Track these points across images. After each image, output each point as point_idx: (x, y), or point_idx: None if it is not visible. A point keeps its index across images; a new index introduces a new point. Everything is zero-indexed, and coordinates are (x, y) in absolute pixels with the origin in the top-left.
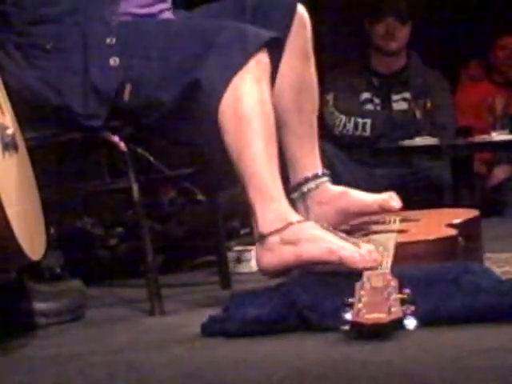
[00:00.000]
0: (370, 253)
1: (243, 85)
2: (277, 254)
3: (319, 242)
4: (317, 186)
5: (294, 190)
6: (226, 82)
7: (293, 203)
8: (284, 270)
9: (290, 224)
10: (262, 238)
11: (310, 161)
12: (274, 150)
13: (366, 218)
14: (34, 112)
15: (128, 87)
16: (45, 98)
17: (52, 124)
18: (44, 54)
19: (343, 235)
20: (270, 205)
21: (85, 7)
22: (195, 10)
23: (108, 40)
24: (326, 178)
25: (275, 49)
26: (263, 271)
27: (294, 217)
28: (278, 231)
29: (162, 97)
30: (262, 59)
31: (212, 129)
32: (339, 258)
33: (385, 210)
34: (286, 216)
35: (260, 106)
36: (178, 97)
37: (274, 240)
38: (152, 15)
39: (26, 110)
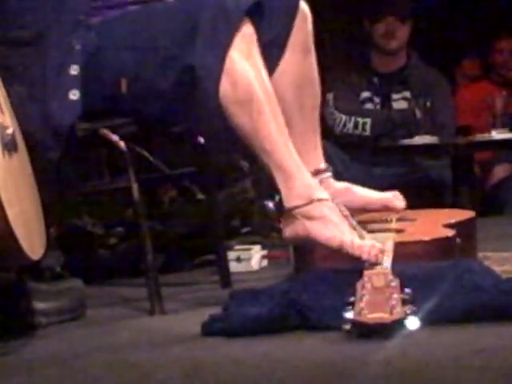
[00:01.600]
0: (373, 246)
1: (235, 65)
2: (293, 225)
3: (328, 225)
4: (320, 182)
5: None
6: (220, 65)
7: None
8: (299, 243)
9: (312, 201)
10: (286, 211)
11: (313, 157)
12: (281, 122)
13: (365, 215)
14: None
15: (124, 81)
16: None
17: None
18: (11, 77)
19: (354, 224)
20: (292, 182)
21: (48, 34)
22: None
23: (72, 69)
24: (329, 174)
25: (258, 14)
26: (284, 240)
27: (318, 193)
28: (298, 207)
29: (159, 85)
30: (246, 31)
31: (214, 113)
32: (339, 244)
33: (389, 208)
34: (310, 192)
35: (256, 81)
36: (175, 83)
37: (294, 213)
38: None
39: None
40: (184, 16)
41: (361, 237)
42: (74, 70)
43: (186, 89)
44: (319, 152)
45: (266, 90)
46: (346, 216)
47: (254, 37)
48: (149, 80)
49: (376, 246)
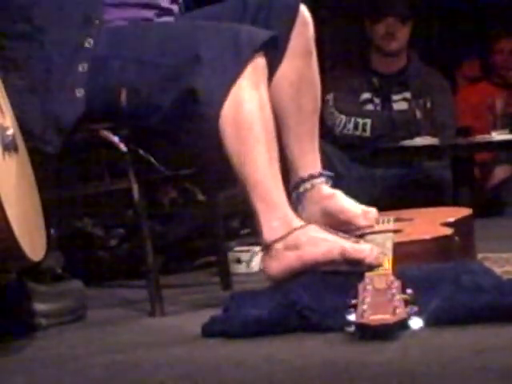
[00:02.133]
0: (371, 250)
1: (242, 92)
2: (281, 260)
3: (320, 242)
4: (312, 187)
5: (293, 190)
6: (225, 92)
7: (292, 203)
8: (290, 275)
9: (293, 230)
10: (267, 246)
11: (308, 161)
12: (275, 155)
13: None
14: None
15: (124, 91)
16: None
17: None
18: (15, 70)
19: (344, 235)
20: (273, 213)
21: (54, 28)
22: (197, 10)
23: (80, 67)
24: (322, 179)
25: (271, 47)
26: (271, 279)
27: (297, 222)
28: (281, 238)
29: (158, 102)
30: (259, 63)
31: (212, 133)
32: (342, 256)
33: (351, 224)
34: (290, 222)
35: (260, 111)
36: (174, 102)
37: (278, 247)
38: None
39: None
40: (193, 38)
41: (356, 243)
42: (83, 67)
43: (184, 108)
44: (316, 157)
45: (266, 122)
46: (331, 231)
47: (265, 70)
48: (148, 94)
49: (375, 248)
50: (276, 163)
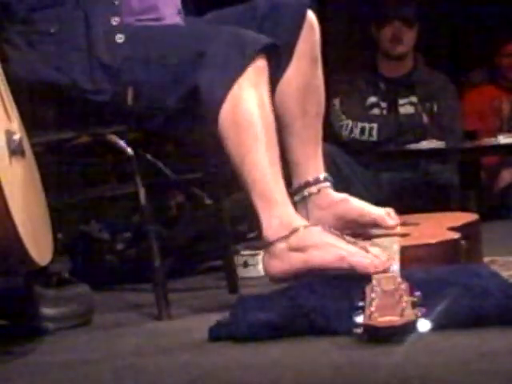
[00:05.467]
0: (378, 257)
1: (241, 91)
2: (285, 261)
3: (328, 248)
4: (318, 191)
5: (296, 194)
6: (226, 90)
7: (295, 206)
8: (292, 277)
9: (296, 230)
10: (269, 245)
11: (312, 165)
12: (276, 154)
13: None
14: (42, 99)
15: (130, 90)
16: (51, 79)
17: (56, 116)
18: (48, 38)
19: (351, 239)
20: (274, 211)
21: None
22: (206, 16)
23: (113, 20)
24: (327, 183)
25: (273, 54)
26: (271, 278)
27: (300, 222)
28: (284, 238)
29: (164, 101)
30: (260, 64)
31: (214, 133)
32: (349, 264)
33: (379, 225)
34: (292, 221)
35: (259, 110)
36: (179, 101)
37: (280, 247)
38: (154, 8)
39: (33, 99)
40: (199, 40)
41: (363, 248)
42: (115, 21)
43: (189, 107)
44: (319, 161)
45: (266, 120)
46: (338, 235)
47: (266, 71)
48: (155, 94)
49: (381, 254)
50: (277, 162)
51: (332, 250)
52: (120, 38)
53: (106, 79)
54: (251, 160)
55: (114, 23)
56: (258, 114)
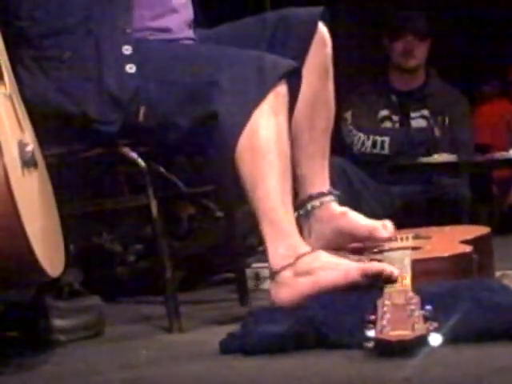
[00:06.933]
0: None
1: (261, 118)
2: (294, 287)
3: (334, 266)
4: (321, 204)
5: (300, 207)
6: (246, 117)
7: (298, 220)
8: (300, 301)
9: (301, 256)
10: (275, 274)
11: (317, 179)
12: (288, 183)
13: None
14: (52, 125)
15: (142, 109)
16: (61, 107)
17: (69, 137)
18: (60, 65)
19: (354, 257)
20: (281, 241)
21: (98, 16)
22: (216, 28)
23: (124, 48)
24: (330, 197)
25: (293, 76)
26: (281, 305)
27: (305, 248)
28: (290, 265)
29: (176, 121)
30: (280, 91)
31: (228, 155)
32: (357, 275)
33: (373, 238)
34: (296, 249)
35: (276, 139)
36: (193, 123)
37: (287, 275)
38: (166, 30)
39: (43, 124)
40: (216, 63)
41: (364, 261)
42: (127, 49)
43: (204, 130)
44: (325, 175)
45: (282, 150)
46: (342, 255)
47: (286, 99)
48: (166, 113)
49: (388, 267)
50: (289, 191)
51: (338, 267)
52: (131, 68)
53: (115, 111)
54: (265, 187)
55: (126, 52)
56: (275, 141)
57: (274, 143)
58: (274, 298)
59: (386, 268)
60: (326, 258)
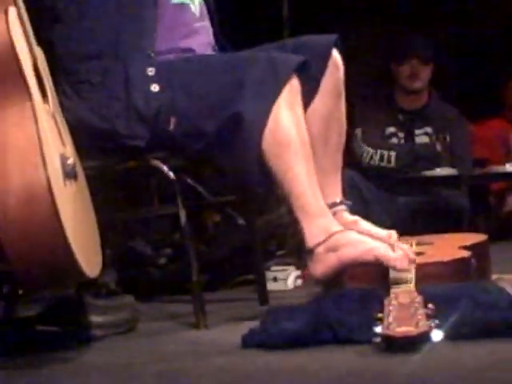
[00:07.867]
0: (405, 252)
1: (279, 111)
2: (324, 262)
3: (357, 244)
4: (334, 213)
5: None
6: (267, 114)
7: None
8: (332, 276)
9: (333, 234)
10: (310, 251)
11: (332, 191)
12: (312, 166)
13: None
14: (90, 143)
15: (173, 120)
16: (94, 125)
17: (105, 152)
18: (91, 88)
19: (379, 235)
20: (314, 222)
21: (124, 41)
22: (238, 53)
23: (148, 70)
24: (343, 206)
25: (304, 71)
26: (317, 281)
27: (336, 227)
28: (322, 242)
29: (204, 129)
30: (293, 83)
31: (254, 156)
32: (375, 256)
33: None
34: (329, 228)
35: (296, 128)
36: (220, 128)
37: (319, 251)
38: (189, 50)
39: (82, 140)
40: (236, 68)
41: (390, 245)
42: (150, 71)
43: (230, 132)
44: (338, 187)
45: (303, 136)
46: (370, 235)
47: (299, 89)
48: (196, 122)
49: (408, 250)
50: (313, 174)
51: (360, 245)
52: (155, 88)
53: (142, 127)
54: (292, 175)
55: (150, 74)
56: (295, 131)
57: (294, 133)
58: (311, 274)
59: (400, 259)
60: (353, 236)
